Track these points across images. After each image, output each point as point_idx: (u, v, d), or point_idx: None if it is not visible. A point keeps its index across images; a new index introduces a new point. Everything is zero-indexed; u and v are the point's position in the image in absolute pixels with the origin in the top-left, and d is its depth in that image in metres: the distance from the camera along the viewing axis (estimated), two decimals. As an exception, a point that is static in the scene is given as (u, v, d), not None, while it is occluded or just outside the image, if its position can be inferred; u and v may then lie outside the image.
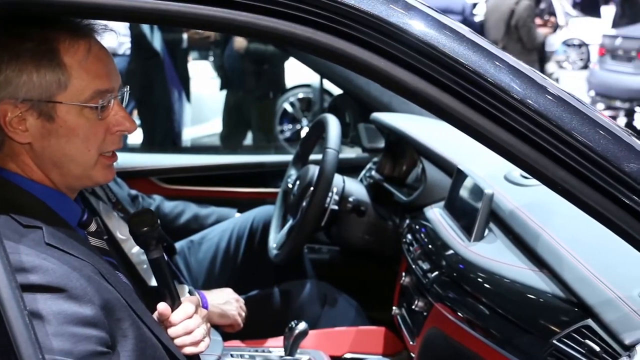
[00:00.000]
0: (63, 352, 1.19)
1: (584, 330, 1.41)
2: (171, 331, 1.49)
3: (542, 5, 7.75)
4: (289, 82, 6.95)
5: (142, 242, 1.55)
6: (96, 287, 1.30)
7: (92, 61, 1.37)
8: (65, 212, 1.43)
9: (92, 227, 1.54)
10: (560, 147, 1.18)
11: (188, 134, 5.76)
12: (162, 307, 1.50)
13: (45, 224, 1.31)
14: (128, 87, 1.50)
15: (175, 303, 1.56)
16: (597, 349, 1.35)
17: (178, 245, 2.52)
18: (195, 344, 1.51)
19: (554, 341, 1.44)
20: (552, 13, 8.06)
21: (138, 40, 4.67)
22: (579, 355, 1.38)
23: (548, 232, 1.75)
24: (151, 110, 5.01)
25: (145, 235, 1.53)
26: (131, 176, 2.93)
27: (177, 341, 1.48)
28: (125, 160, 3.13)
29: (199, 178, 3.27)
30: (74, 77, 1.35)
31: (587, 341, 1.38)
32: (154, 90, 4.86)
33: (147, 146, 5.14)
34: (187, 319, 1.53)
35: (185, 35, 5.10)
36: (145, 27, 4.67)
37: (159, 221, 1.55)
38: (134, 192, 2.35)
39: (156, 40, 4.74)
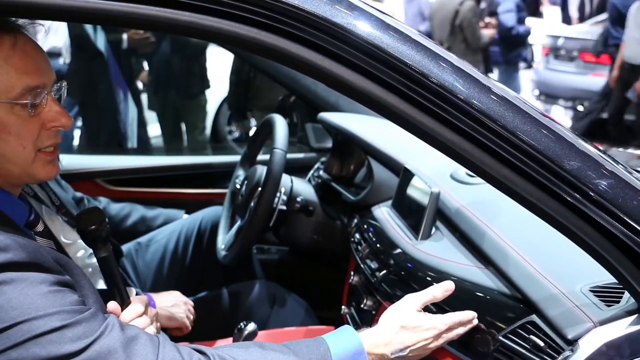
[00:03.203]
0: (51, 308, 1.20)
1: (528, 325, 1.43)
2: None
3: (482, 5, 7.83)
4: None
5: (90, 240, 1.53)
6: (63, 262, 1.33)
7: (19, 56, 1.34)
8: (12, 211, 1.41)
9: (39, 227, 1.52)
10: (504, 145, 1.20)
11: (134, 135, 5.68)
12: (112, 305, 1.48)
13: None
14: (64, 82, 1.47)
15: (124, 302, 1.55)
16: (542, 344, 1.37)
17: (125, 247, 2.48)
18: None
19: (500, 337, 1.46)
20: (492, 13, 8.16)
21: (80, 40, 4.59)
22: (523, 351, 1.40)
23: (493, 230, 1.77)
24: (96, 111, 4.92)
25: (93, 234, 1.51)
26: (76, 178, 2.89)
27: None
28: (70, 162, 3.07)
29: (146, 179, 3.24)
30: (1, 74, 1.32)
31: (532, 336, 1.40)
32: (98, 90, 4.78)
33: (92, 148, 5.06)
34: (137, 318, 1.51)
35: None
36: (88, 27, 4.59)
37: (107, 219, 1.53)
38: (78, 194, 2.31)
39: (100, 40, 4.66)
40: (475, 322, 1.53)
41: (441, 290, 1.56)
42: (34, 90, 1.35)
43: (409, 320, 1.49)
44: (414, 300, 1.54)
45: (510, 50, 8.31)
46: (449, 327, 1.51)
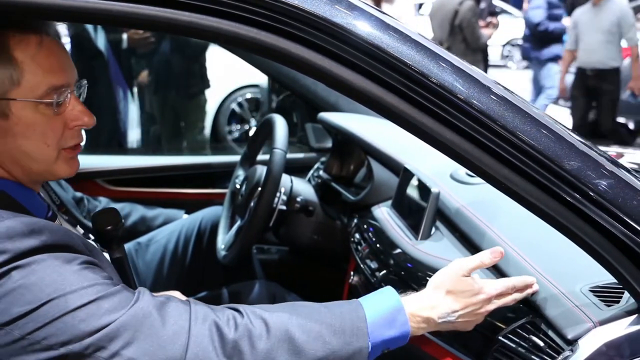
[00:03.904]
0: (85, 282, 1.20)
1: (528, 326, 1.43)
2: None
3: (482, 5, 7.81)
4: (236, 82, 6.92)
5: (106, 240, 1.53)
6: (90, 247, 1.34)
7: (45, 55, 1.34)
8: (34, 207, 1.42)
9: (57, 223, 1.52)
10: (504, 145, 1.20)
11: (134, 135, 5.68)
12: None
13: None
14: (85, 80, 1.48)
15: None
16: (541, 344, 1.37)
17: (125, 247, 2.48)
18: None
19: (500, 337, 1.46)
20: (492, 13, 8.14)
21: (80, 40, 4.58)
22: (523, 351, 1.40)
23: (493, 230, 1.77)
24: (95, 110, 4.92)
25: (110, 234, 1.52)
26: (76, 178, 2.87)
27: None
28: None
29: (146, 179, 3.24)
30: (27, 73, 1.32)
31: (532, 337, 1.40)
32: (97, 90, 4.77)
33: (91, 147, 5.06)
34: None
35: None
36: (88, 26, 4.58)
37: (122, 220, 1.53)
38: (78, 194, 2.31)
39: (100, 40, 4.66)
40: (536, 287, 1.48)
41: (489, 255, 1.49)
42: (58, 90, 1.36)
43: (455, 284, 1.44)
44: (460, 265, 1.47)
45: (540, 47, 8.22)
46: (501, 293, 1.45)
